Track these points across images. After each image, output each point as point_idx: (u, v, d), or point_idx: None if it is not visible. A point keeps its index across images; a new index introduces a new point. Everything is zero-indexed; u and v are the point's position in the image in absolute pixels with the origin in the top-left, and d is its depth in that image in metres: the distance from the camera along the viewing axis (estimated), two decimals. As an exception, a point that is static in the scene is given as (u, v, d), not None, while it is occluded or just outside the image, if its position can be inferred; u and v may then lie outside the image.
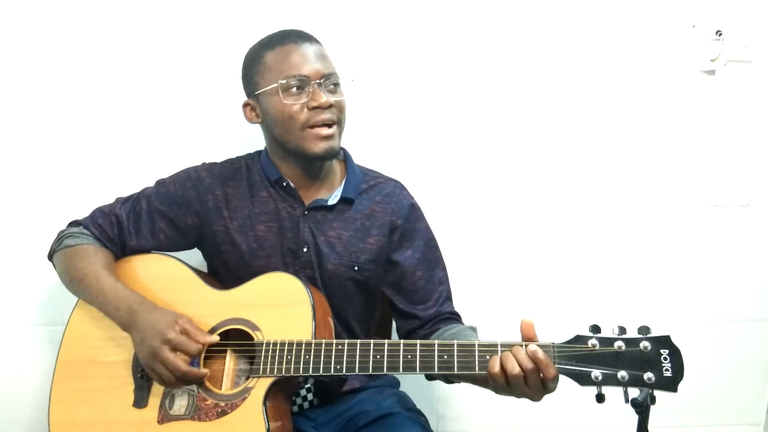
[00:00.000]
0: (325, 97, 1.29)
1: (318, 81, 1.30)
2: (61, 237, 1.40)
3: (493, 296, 1.78)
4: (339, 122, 1.34)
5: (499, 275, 1.79)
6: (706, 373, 1.86)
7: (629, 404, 1.04)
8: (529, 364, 1.06)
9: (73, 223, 1.43)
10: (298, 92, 1.30)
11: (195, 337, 1.22)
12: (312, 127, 1.30)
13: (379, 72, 1.69)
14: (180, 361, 1.19)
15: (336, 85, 1.34)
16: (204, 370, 1.22)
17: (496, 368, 1.07)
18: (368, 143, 1.64)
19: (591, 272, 1.81)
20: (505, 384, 1.08)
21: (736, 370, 1.89)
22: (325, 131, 1.31)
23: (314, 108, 1.29)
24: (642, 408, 1.04)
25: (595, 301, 1.81)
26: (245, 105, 1.38)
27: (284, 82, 1.29)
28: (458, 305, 1.45)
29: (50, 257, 1.43)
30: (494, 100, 1.73)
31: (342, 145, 1.40)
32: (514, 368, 1.06)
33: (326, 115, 1.30)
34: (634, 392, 1.05)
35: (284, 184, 1.38)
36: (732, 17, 1.74)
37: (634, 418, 1.07)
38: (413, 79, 1.71)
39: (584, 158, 1.78)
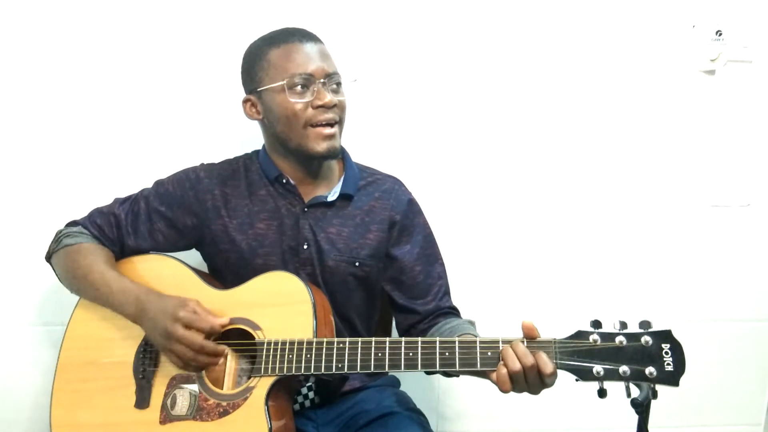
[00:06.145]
0: (329, 97, 1.30)
1: (322, 80, 1.31)
2: (59, 237, 1.40)
3: (494, 292, 1.79)
4: (340, 121, 1.35)
5: (499, 272, 1.79)
6: (706, 373, 1.86)
7: (630, 402, 1.04)
8: (527, 361, 1.06)
9: (71, 223, 1.43)
10: (303, 91, 1.30)
11: (205, 317, 1.23)
12: (314, 125, 1.31)
13: (379, 71, 1.69)
14: (195, 335, 1.20)
15: (338, 84, 1.35)
16: (222, 346, 1.23)
17: (503, 371, 1.08)
18: (368, 142, 1.64)
19: (591, 271, 1.81)
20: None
21: (736, 370, 1.89)
22: (327, 131, 1.32)
23: (318, 107, 1.30)
24: (642, 408, 1.04)
25: (595, 301, 1.81)
26: (245, 101, 1.38)
27: (290, 80, 1.30)
28: (458, 301, 1.45)
29: (48, 258, 1.42)
30: (494, 100, 1.73)
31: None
32: (514, 364, 1.07)
33: (329, 115, 1.31)
34: (635, 391, 1.05)
35: (284, 181, 1.38)
36: (732, 17, 1.74)
37: (634, 418, 1.08)
38: (412, 79, 1.71)
39: (584, 158, 1.78)
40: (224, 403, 1.22)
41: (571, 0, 1.72)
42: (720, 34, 1.74)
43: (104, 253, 1.37)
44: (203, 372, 1.25)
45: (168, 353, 1.24)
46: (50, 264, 1.42)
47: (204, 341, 1.21)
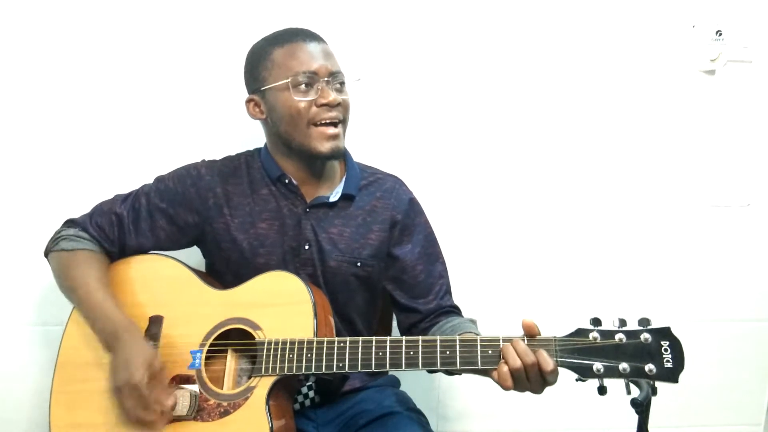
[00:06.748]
0: (333, 95, 1.30)
1: (326, 79, 1.31)
2: (57, 238, 1.38)
3: (495, 291, 1.79)
4: (344, 121, 1.35)
5: (500, 270, 1.79)
6: (706, 373, 1.86)
7: (630, 402, 1.04)
8: (528, 359, 1.06)
9: (70, 222, 1.41)
10: (307, 89, 1.30)
11: (156, 396, 1.18)
12: (317, 124, 1.31)
13: (382, 71, 1.69)
14: (138, 410, 1.17)
15: (342, 84, 1.35)
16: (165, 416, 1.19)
17: (504, 368, 1.08)
18: (370, 141, 1.64)
19: (591, 271, 1.82)
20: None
21: (736, 370, 1.90)
22: (331, 130, 1.31)
23: (322, 105, 1.30)
24: (642, 408, 1.05)
25: (595, 301, 1.81)
26: (248, 101, 1.38)
27: (294, 78, 1.30)
28: (459, 300, 1.45)
29: (46, 255, 1.41)
30: (494, 100, 1.74)
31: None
32: (515, 362, 1.07)
33: (333, 113, 1.31)
34: (635, 390, 1.06)
35: (286, 181, 1.38)
36: (732, 17, 1.74)
37: (634, 418, 1.08)
38: (415, 79, 1.71)
39: (584, 158, 1.78)
40: (225, 403, 1.22)
41: (572, 0, 1.72)
42: (720, 34, 1.74)
43: (98, 265, 1.34)
44: (203, 372, 1.25)
45: (117, 399, 1.21)
46: (47, 260, 1.41)
47: (138, 418, 1.17)
